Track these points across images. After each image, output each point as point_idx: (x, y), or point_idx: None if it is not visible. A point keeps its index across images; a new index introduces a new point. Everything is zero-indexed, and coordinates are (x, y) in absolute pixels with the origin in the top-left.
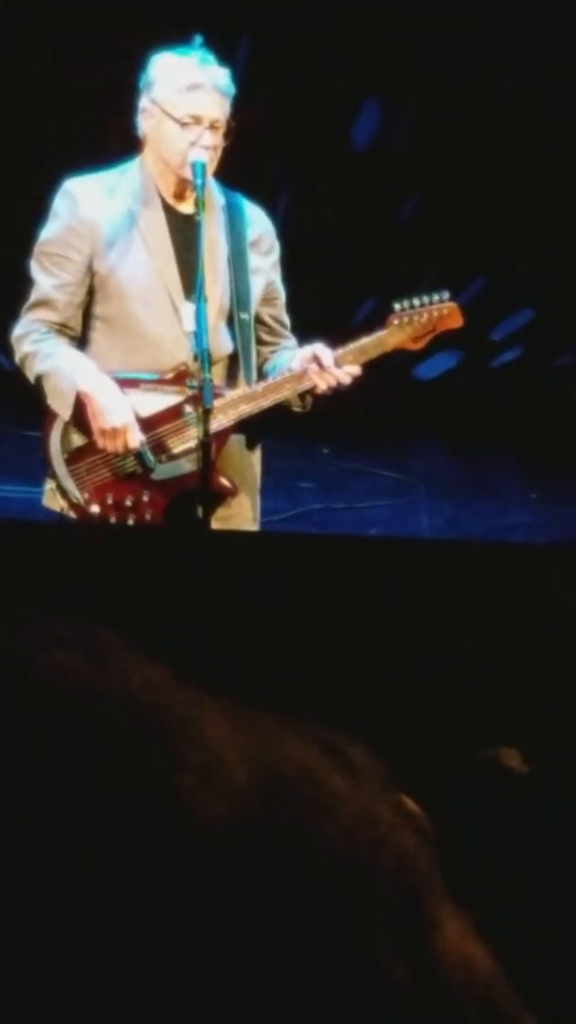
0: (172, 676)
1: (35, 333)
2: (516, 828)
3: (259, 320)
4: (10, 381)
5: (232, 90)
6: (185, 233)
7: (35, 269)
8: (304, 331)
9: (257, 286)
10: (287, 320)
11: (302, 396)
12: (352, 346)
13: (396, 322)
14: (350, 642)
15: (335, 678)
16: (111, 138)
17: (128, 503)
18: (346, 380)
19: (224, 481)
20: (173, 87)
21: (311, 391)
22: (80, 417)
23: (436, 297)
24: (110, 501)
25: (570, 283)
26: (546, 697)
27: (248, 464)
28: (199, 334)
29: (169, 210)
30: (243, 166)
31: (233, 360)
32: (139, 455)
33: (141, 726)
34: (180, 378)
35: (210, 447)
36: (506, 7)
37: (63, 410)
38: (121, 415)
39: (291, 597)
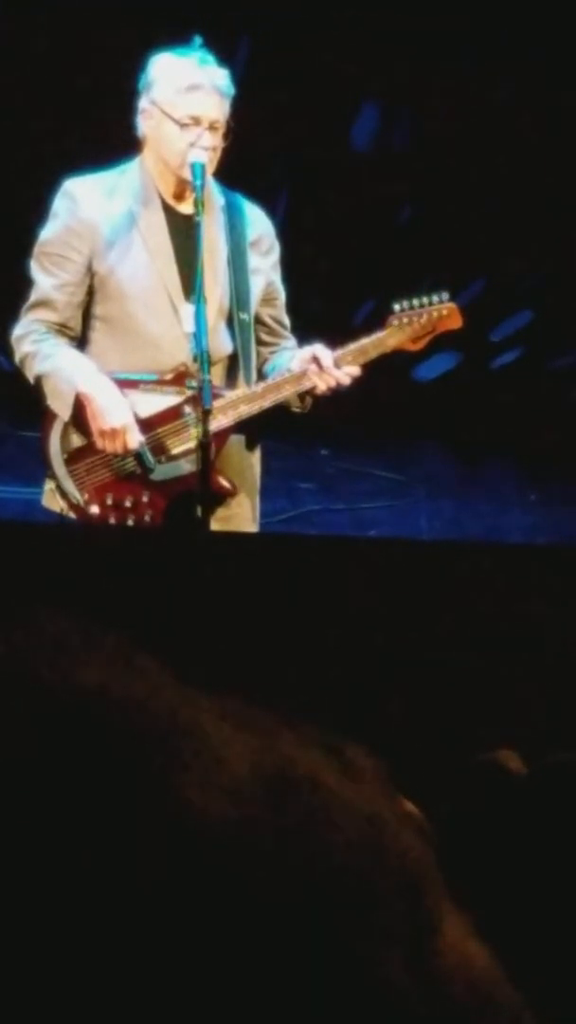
0: (172, 676)
1: (35, 333)
2: (516, 829)
3: (259, 320)
4: (10, 381)
5: (232, 90)
6: (185, 234)
7: (35, 269)
8: (304, 331)
9: (257, 286)
10: (287, 321)
11: (302, 397)
12: (352, 347)
13: (396, 323)
14: (350, 643)
15: (335, 679)
16: (111, 138)
17: (128, 504)
18: (346, 381)
19: (223, 482)
20: (173, 88)
21: (311, 392)
22: (80, 418)
23: (436, 298)
24: (110, 502)
25: (570, 284)
26: (546, 697)
27: (248, 465)
28: (199, 335)
29: (169, 211)
30: (243, 166)
31: (233, 361)
32: (139, 456)
33: (142, 726)
34: (180, 379)
35: (209, 448)
36: (506, 7)
37: (63, 411)
38: (120, 416)
39: (291, 598)
